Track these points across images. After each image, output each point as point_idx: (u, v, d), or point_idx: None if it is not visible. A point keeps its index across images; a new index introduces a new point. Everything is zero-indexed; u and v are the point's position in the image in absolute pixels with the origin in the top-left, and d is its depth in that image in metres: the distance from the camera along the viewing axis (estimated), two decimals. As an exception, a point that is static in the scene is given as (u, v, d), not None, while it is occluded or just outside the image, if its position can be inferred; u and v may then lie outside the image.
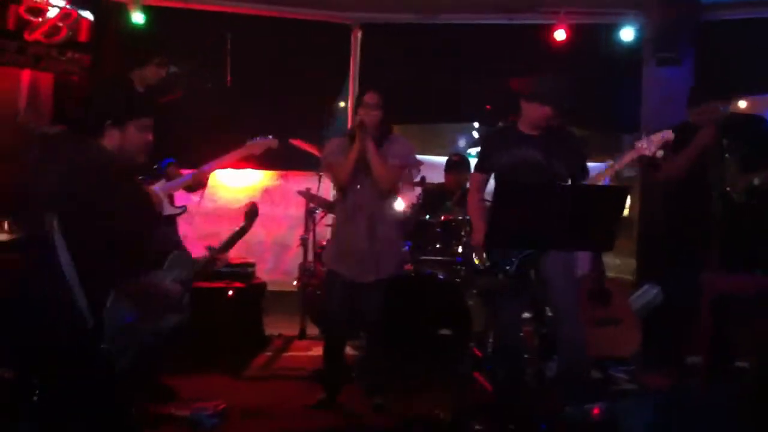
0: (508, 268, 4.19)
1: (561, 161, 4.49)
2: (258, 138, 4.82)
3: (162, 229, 4.38)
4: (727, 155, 4.76)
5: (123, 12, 6.55)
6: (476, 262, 4.53)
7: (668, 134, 4.26)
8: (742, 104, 11.67)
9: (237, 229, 4.12)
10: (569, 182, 4.58)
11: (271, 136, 4.88)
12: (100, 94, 3.80)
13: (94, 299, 3.11)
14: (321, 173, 5.47)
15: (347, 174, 4.49)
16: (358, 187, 4.53)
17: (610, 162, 4.79)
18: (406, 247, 5.57)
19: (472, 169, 4.93)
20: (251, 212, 4.21)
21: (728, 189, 4.69)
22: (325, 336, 4.82)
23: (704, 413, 3.64)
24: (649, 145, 4.27)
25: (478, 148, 5.46)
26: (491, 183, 4.64)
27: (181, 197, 4.76)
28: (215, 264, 3.81)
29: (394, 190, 4.72)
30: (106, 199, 3.18)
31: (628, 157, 4.41)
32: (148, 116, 3.50)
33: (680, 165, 4.86)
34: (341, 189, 4.61)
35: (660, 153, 4.31)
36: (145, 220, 3.47)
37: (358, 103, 4.57)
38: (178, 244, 4.47)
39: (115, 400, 3.33)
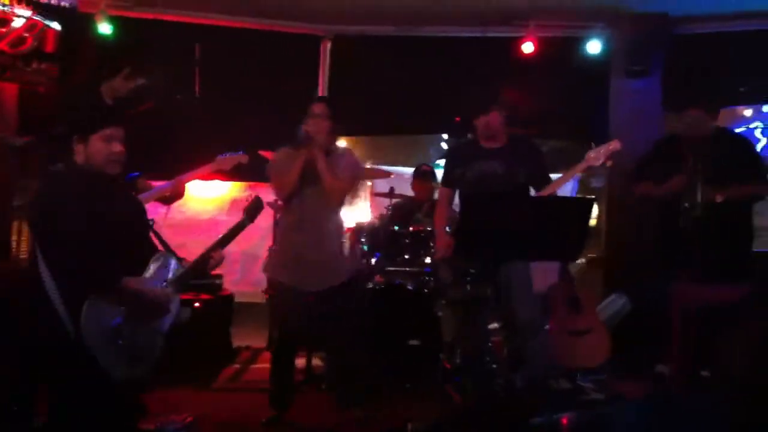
0: (468, 279, 4.22)
1: (522, 171, 4.55)
2: (228, 153, 4.83)
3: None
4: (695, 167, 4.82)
5: (90, 23, 6.50)
6: (442, 275, 4.56)
7: (615, 144, 4.42)
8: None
9: (236, 223, 4.04)
10: (532, 192, 4.64)
11: (241, 152, 4.88)
12: (65, 109, 3.80)
13: (73, 308, 3.11)
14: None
15: (292, 184, 4.42)
16: (304, 197, 4.46)
17: (579, 176, 4.87)
18: (375, 258, 5.57)
19: (440, 184, 4.96)
20: (252, 207, 4.08)
21: (686, 205, 4.73)
22: (276, 349, 4.70)
23: (676, 422, 3.67)
24: (598, 155, 4.40)
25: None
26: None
27: (152, 209, 4.71)
28: (209, 262, 3.74)
29: (342, 202, 4.69)
30: (67, 221, 3.20)
31: (579, 168, 4.54)
32: (115, 126, 3.47)
33: (654, 195, 4.89)
34: (286, 199, 4.55)
35: (609, 163, 4.43)
36: (123, 228, 3.44)
37: (307, 114, 4.52)
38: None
39: (113, 408, 3.32)
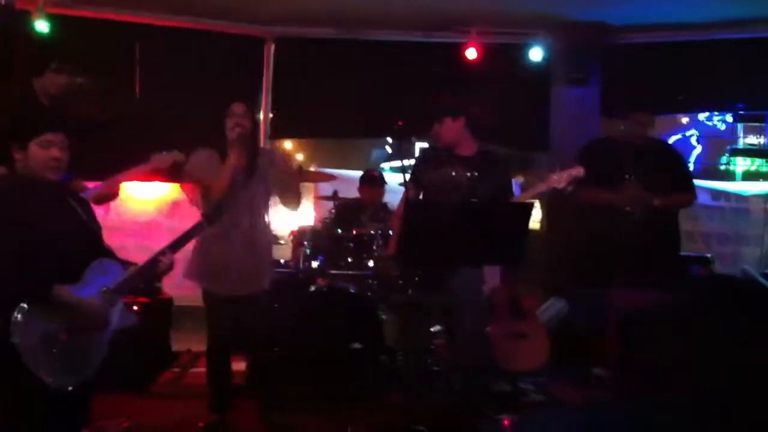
0: (412, 282, 4.23)
1: (487, 182, 4.57)
2: (164, 152, 4.74)
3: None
4: (629, 176, 4.92)
5: (27, 20, 6.35)
6: (388, 272, 4.56)
7: (579, 171, 4.43)
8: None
9: (192, 226, 3.95)
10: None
11: (176, 151, 4.80)
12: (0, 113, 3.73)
13: (3, 315, 3.04)
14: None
15: (222, 192, 4.25)
16: (233, 200, 4.30)
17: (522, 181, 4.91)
18: (318, 261, 5.54)
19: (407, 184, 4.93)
20: (213, 211, 4.01)
21: (627, 209, 4.85)
22: (211, 355, 4.62)
23: (614, 427, 3.71)
24: (560, 179, 4.42)
25: (396, 162, 5.51)
26: None
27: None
28: (158, 266, 3.66)
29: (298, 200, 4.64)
30: None
31: (540, 188, 4.56)
32: (53, 131, 3.39)
33: (590, 200, 4.97)
34: (209, 203, 4.34)
35: (570, 188, 4.46)
36: (61, 235, 3.37)
37: (226, 114, 4.41)
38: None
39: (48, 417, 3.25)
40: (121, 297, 3.55)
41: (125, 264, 3.65)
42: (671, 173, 5.03)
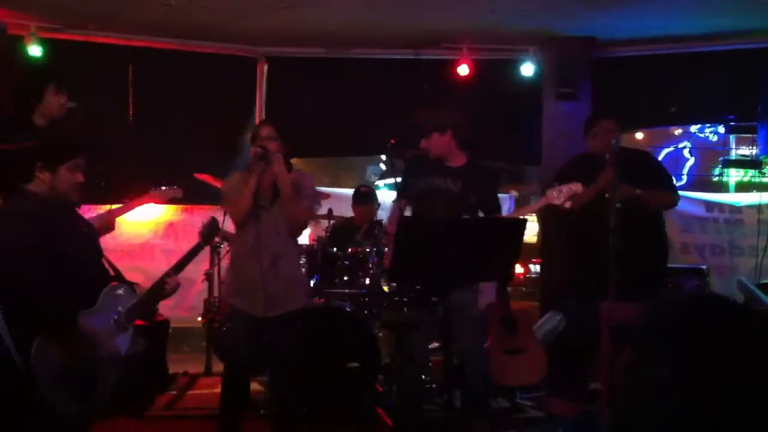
0: (406, 299, 4.22)
1: (477, 194, 4.57)
2: (163, 187, 4.78)
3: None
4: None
5: (20, 45, 6.38)
6: (385, 288, 4.56)
7: (576, 186, 4.43)
8: (639, 136, 12.17)
9: (192, 247, 4.01)
10: (481, 215, 4.67)
11: (176, 186, 4.84)
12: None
13: (21, 345, 3.04)
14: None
15: (246, 207, 4.32)
16: (259, 222, 4.37)
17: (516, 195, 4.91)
18: (314, 280, 5.54)
19: (394, 199, 4.93)
20: (208, 229, 4.10)
21: (606, 196, 4.87)
22: (227, 374, 4.59)
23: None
24: (559, 195, 4.43)
25: (391, 179, 5.51)
26: None
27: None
28: (164, 288, 3.69)
29: (305, 223, 4.66)
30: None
31: (538, 204, 4.56)
32: (81, 156, 3.47)
33: (583, 198, 4.98)
34: (240, 223, 4.46)
35: (568, 204, 4.46)
36: (82, 257, 3.39)
37: (254, 138, 4.44)
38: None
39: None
40: (132, 322, 3.56)
41: (133, 286, 3.67)
42: (648, 175, 5.08)
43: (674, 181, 5.37)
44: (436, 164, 4.66)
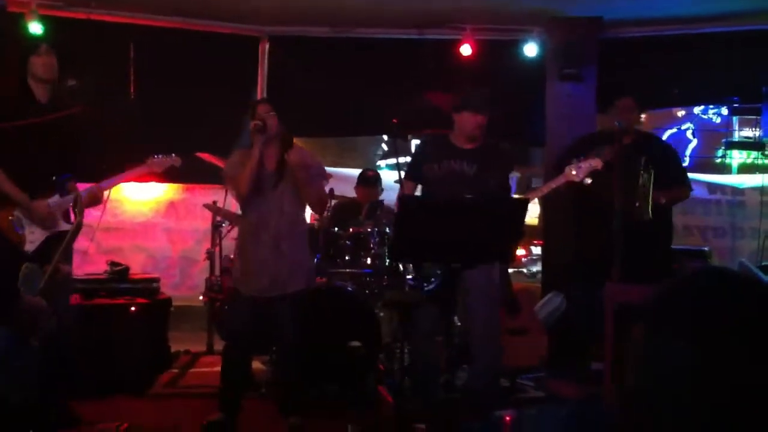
0: (433, 280, 4.19)
1: (492, 176, 4.52)
2: (160, 155, 4.74)
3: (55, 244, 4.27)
4: (643, 173, 4.93)
5: (20, 23, 6.34)
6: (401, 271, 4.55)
7: (596, 162, 4.38)
8: (642, 117, 12.11)
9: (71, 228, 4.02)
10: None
11: (173, 154, 4.80)
12: None
13: None
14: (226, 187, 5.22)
15: (247, 184, 4.32)
16: (264, 202, 4.38)
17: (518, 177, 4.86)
18: (316, 260, 5.54)
19: (403, 177, 4.88)
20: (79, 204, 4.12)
21: (637, 204, 4.85)
22: (226, 352, 4.61)
23: (611, 421, 3.71)
24: (578, 172, 4.37)
25: (393, 160, 5.47)
26: None
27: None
28: (60, 272, 3.73)
29: (326, 203, 4.65)
30: None
31: (556, 182, 4.48)
32: None
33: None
34: (243, 202, 4.47)
35: (588, 180, 4.41)
36: None
37: (252, 116, 4.42)
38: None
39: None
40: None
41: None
42: (667, 168, 5.06)
43: (687, 174, 5.36)
44: (451, 146, 4.60)
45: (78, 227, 4.07)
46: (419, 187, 4.85)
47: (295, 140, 4.47)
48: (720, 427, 1.10)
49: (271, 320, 4.47)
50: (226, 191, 6.00)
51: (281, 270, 4.40)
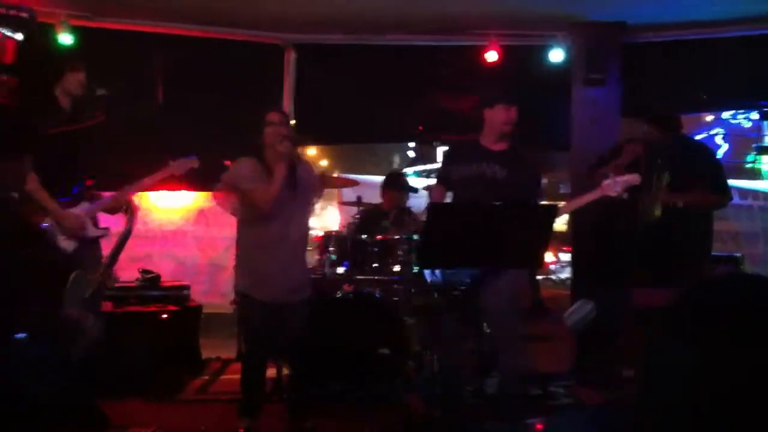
0: (462, 288, 4.19)
1: (522, 178, 4.51)
2: (180, 158, 4.79)
3: (86, 251, 4.32)
4: (655, 175, 4.91)
5: (51, 33, 6.43)
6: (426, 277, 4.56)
7: (635, 178, 4.35)
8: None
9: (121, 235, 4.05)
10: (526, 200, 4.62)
11: (193, 156, 4.84)
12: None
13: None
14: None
15: (272, 201, 4.30)
16: (283, 212, 4.37)
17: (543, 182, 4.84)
18: (344, 267, 5.56)
19: (435, 183, 4.90)
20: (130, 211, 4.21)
21: (645, 205, 4.83)
22: (248, 358, 4.64)
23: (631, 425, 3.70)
24: (615, 186, 4.34)
25: (419, 167, 5.48)
26: None
27: (104, 219, 4.66)
28: (110, 278, 3.78)
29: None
30: None
31: (592, 195, 4.45)
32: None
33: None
34: (264, 214, 4.40)
35: (625, 195, 4.38)
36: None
37: (263, 123, 4.44)
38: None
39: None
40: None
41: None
42: (698, 171, 4.97)
43: (725, 180, 5.18)
44: (481, 149, 4.58)
45: (128, 233, 4.12)
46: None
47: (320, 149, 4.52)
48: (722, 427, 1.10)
49: (287, 325, 4.46)
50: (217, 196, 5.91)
51: (299, 277, 4.46)
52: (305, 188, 4.48)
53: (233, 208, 4.51)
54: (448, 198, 4.75)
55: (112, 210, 4.55)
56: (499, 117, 4.52)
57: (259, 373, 4.54)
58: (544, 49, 7.13)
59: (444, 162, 4.92)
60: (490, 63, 7.10)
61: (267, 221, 4.40)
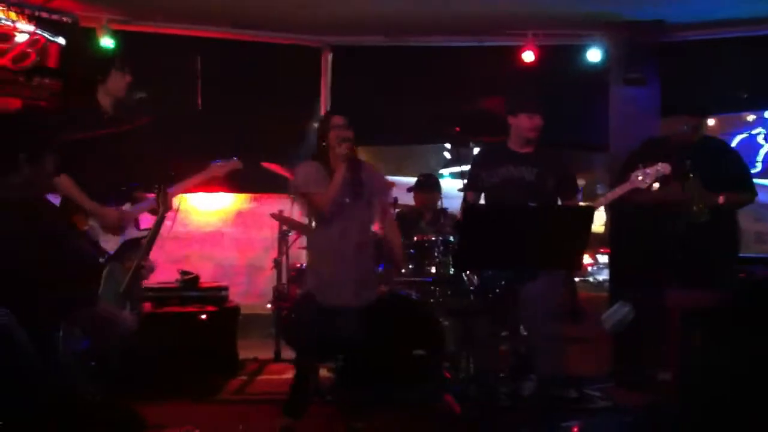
0: (497, 290, 4.18)
1: (553, 179, 4.51)
2: (221, 160, 4.83)
3: (131, 250, 4.39)
4: (691, 175, 4.86)
5: (92, 37, 6.54)
6: (465, 280, 4.55)
7: (664, 167, 4.31)
8: (711, 122, 11.90)
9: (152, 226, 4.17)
10: (559, 201, 4.62)
11: (234, 158, 4.88)
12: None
13: (40, 336, 3.07)
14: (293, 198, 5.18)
15: (330, 203, 4.34)
16: (343, 215, 4.40)
17: (582, 183, 4.81)
18: (380, 268, 5.57)
19: (464, 188, 4.91)
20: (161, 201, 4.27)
21: (694, 208, 4.79)
22: (301, 360, 4.64)
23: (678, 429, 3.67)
24: (645, 177, 4.30)
25: (455, 168, 5.49)
26: None
27: (146, 220, 4.73)
28: (143, 271, 3.83)
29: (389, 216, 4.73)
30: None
31: (622, 189, 4.42)
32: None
33: (647, 201, 4.90)
34: (324, 216, 4.44)
35: (656, 186, 4.34)
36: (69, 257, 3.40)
37: (326, 127, 4.46)
38: None
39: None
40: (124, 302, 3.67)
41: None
42: (727, 171, 4.96)
43: (752, 179, 5.23)
44: (509, 152, 4.60)
45: (159, 224, 4.18)
46: (482, 196, 4.85)
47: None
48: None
49: (342, 329, 4.48)
50: (293, 200, 6.04)
51: (359, 282, 4.46)
52: (369, 192, 4.49)
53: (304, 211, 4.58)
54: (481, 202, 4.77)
55: (154, 212, 4.62)
56: (522, 124, 4.56)
57: (310, 374, 4.57)
58: (581, 49, 7.09)
59: (473, 167, 4.93)
60: (526, 63, 7.07)
61: (329, 224, 4.44)
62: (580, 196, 7.51)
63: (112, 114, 4.62)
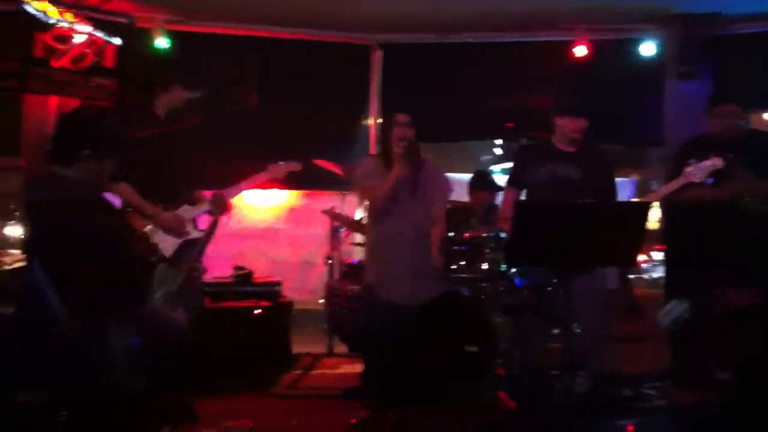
0: (549, 289, 4.17)
1: (596, 178, 4.48)
2: (281, 162, 4.88)
3: (187, 251, 4.46)
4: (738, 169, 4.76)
5: (148, 37, 6.66)
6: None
7: (717, 161, 4.25)
8: (766, 116, 11.63)
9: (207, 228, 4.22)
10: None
11: (294, 161, 4.93)
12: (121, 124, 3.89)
13: (93, 330, 3.12)
14: (347, 193, 5.23)
15: (385, 198, 4.40)
16: (398, 212, 4.44)
17: (637, 179, 4.76)
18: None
19: (505, 185, 4.90)
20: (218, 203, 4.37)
21: (748, 199, 4.69)
22: (369, 355, 4.71)
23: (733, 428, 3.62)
24: (698, 171, 4.25)
25: (506, 164, 5.46)
26: None
27: (205, 221, 4.79)
28: (196, 272, 3.89)
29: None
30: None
31: (676, 183, 4.37)
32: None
33: (707, 198, 4.81)
34: (379, 212, 4.51)
35: (709, 180, 4.28)
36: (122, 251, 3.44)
37: (389, 124, 4.52)
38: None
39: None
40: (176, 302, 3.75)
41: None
42: None
43: None
44: (555, 149, 4.58)
45: (214, 224, 4.25)
46: (523, 193, 4.83)
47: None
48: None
49: (399, 326, 4.50)
50: (344, 197, 6.11)
51: (416, 279, 4.48)
52: (428, 189, 4.51)
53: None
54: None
55: (212, 212, 4.68)
56: (567, 125, 4.52)
57: (379, 367, 4.61)
58: (634, 43, 7.00)
59: (515, 164, 4.90)
60: (578, 58, 7.01)
61: (384, 220, 4.50)
62: (634, 191, 7.43)
63: (166, 114, 4.69)
